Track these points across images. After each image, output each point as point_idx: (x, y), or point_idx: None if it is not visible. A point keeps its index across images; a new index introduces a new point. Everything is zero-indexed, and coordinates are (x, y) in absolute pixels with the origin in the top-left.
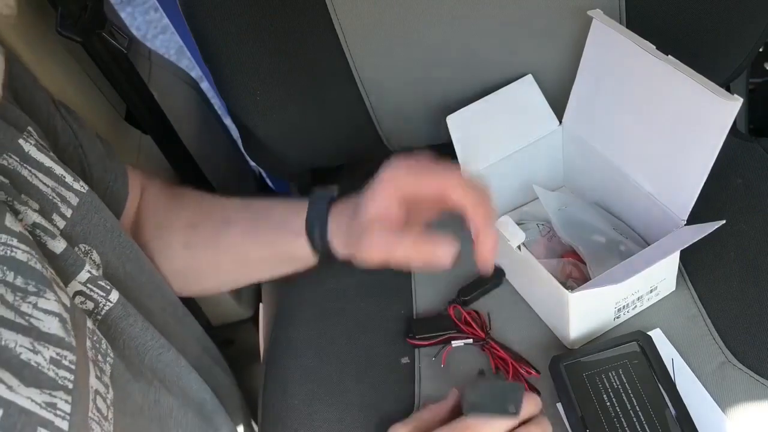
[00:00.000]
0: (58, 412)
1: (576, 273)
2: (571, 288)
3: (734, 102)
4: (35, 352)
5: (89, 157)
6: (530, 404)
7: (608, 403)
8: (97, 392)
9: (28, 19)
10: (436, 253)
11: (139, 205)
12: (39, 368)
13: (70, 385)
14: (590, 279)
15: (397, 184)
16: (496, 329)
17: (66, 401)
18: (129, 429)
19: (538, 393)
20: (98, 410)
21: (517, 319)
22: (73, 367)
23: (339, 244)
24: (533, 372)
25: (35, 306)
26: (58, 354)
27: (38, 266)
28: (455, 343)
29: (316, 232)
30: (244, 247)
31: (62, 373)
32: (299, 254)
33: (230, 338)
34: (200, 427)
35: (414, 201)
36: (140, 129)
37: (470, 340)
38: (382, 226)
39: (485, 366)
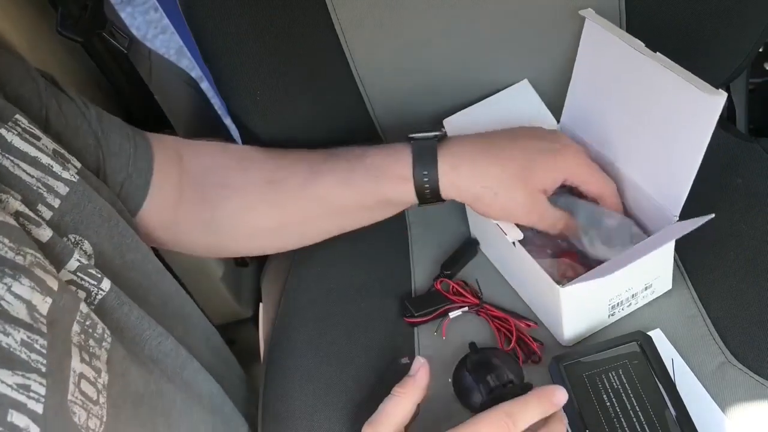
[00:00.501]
0: (32, 395)
1: (571, 273)
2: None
3: (719, 96)
4: (6, 333)
5: (100, 133)
6: (546, 400)
7: (608, 403)
8: (81, 376)
9: (28, 19)
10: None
11: (186, 168)
12: (10, 350)
13: (44, 369)
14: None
15: (577, 174)
16: (486, 295)
17: (41, 384)
18: (130, 416)
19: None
20: (83, 393)
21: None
22: (44, 351)
23: (452, 184)
24: (532, 324)
25: (9, 289)
26: (29, 337)
27: (9, 255)
28: (453, 314)
29: (425, 175)
30: (340, 197)
31: (34, 356)
32: (402, 199)
33: (230, 338)
34: (206, 420)
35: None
36: (140, 129)
37: (466, 308)
38: (544, 198)
39: (486, 332)
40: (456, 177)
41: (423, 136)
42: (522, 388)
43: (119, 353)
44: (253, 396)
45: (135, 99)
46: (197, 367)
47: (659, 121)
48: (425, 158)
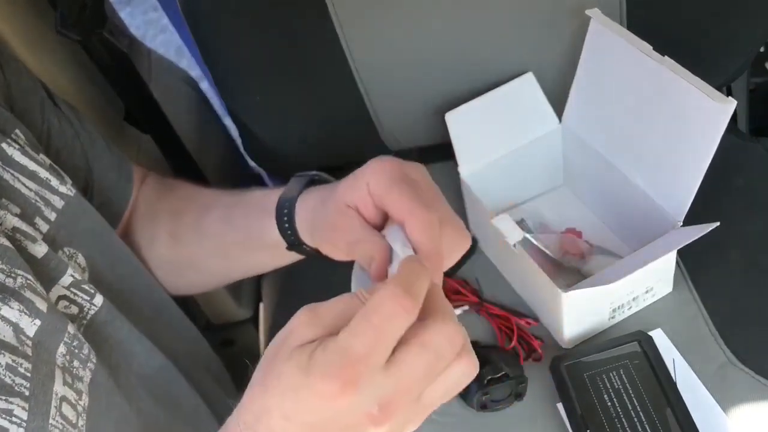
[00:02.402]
0: (14, 419)
1: (573, 249)
2: (567, 263)
3: (728, 105)
4: None
5: (90, 156)
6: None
7: (609, 403)
8: (63, 399)
9: (28, 19)
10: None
11: (135, 197)
12: None
13: (27, 392)
14: (594, 247)
15: (376, 182)
16: (486, 293)
17: (23, 408)
18: None
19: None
20: (63, 417)
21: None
22: (28, 374)
23: (305, 228)
24: (533, 321)
25: None
26: (13, 361)
27: (0, 277)
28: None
29: (285, 212)
30: (222, 233)
31: (18, 380)
32: (269, 237)
33: (230, 338)
34: None
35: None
36: (140, 129)
37: (466, 307)
38: (354, 215)
39: (487, 331)
40: (309, 199)
41: (299, 174)
42: (518, 382)
43: (102, 374)
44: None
45: (135, 99)
46: (184, 383)
47: (665, 126)
48: (290, 197)
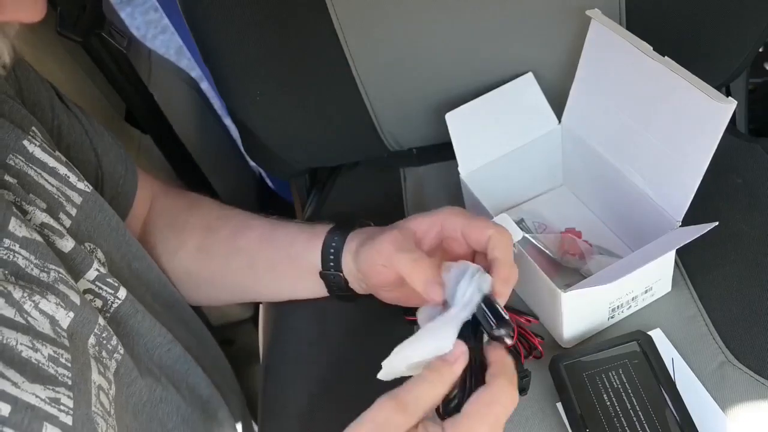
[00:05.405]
0: (62, 407)
1: (573, 248)
2: (567, 263)
3: (728, 105)
4: (35, 349)
5: (99, 150)
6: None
7: (608, 403)
8: (100, 387)
9: None
10: (423, 288)
11: (150, 206)
12: (39, 365)
13: (70, 382)
14: (592, 247)
15: (454, 218)
16: None
17: (68, 396)
18: (131, 426)
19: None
20: (102, 405)
21: None
22: (69, 364)
23: (349, 261)
24: (533, 320)
25: (36, 306)
26: (55, 352)
27: (35, 272)
28: None
29: (335, 238)
30: (259, 251)
31: (61, 370)
32: (308, 259)
33: (230, 338)
34: (204, 424)
35: (448, 240)
36: (140, 129)
37: None
38: (412, 242)
39: None
40: (359, 243)
41: (352, 214)
42: (521, 376)
43: (128, 364)
44: (246, 399)
45: (135, 99)
46: (200, 372)
47: (665, 126)
48: (344, 225)
